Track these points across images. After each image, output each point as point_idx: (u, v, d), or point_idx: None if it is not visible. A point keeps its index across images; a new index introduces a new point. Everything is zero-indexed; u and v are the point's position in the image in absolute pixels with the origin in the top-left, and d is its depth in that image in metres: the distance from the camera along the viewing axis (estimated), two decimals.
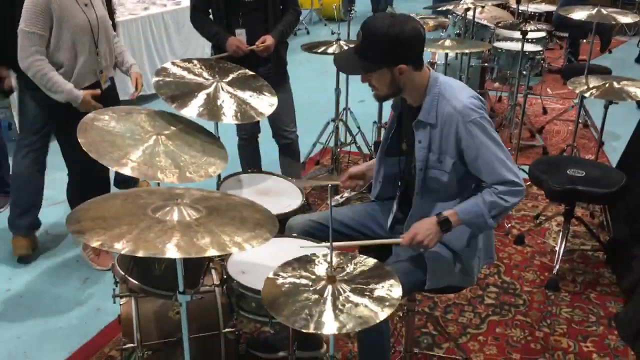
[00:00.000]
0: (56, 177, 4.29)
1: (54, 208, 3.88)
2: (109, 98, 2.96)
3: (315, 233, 2.34)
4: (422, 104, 2.11)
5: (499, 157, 2.06)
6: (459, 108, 2.04)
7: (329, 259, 1.74)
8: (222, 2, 3.26)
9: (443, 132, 2.08)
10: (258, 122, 3.50)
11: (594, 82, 3.58)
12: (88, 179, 3.14)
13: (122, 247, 1.48)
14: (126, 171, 2.00)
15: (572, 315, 3.01)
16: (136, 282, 2.04)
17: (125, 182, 3.88)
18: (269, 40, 3.25)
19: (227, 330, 2.30)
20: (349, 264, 1.81)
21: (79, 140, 2.08)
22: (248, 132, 3.60)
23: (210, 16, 3.38)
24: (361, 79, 2.11)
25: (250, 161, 3.64)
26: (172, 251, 1.50)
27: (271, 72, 3.36)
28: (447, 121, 2.06)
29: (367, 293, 1.68)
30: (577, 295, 3.16)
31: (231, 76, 2.62)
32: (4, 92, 3.60)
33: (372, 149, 4.36)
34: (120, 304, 2.30)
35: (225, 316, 2.33)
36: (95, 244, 1.50)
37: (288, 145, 3.64)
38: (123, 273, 2.06)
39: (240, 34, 3.28)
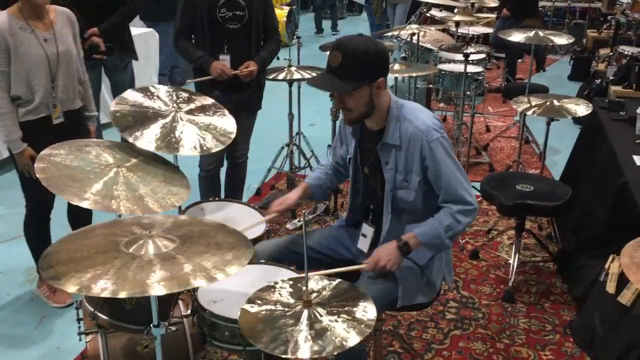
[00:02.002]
0: (4, 213, 4.17)
1: (3, 245, 3.75)
2: (67, 132, 2.87)
3: (283, 259, 2.35)
4: (386, 126, 2.19)
5: (456, 176, 2.17)
6: (422, 128, 2.14)
7: (304, 284, 1.76)
8: (207, 27, 3.30)
9: (408, 152, 2.17)
10: (224, 152, 3.53)
11: (535, 100, 3.76)
12: (46, 213, 3.13)
13: (101, 290, 1.46)
14: (86, 205, 1.97)
15: (530, 325, 3.12)
16: (106, 318, 2.00)
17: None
18: (252, 65, 3.32)
19: None
20: (322, 288, 1.84)
21: (38, 177, 2.05)
22: (211, 164, 3.59)
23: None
24: (336, 104, 2.18)
25: (210, 192, 3.62)
26: (157, 288, 1.49)
27: (250, 98, 3.42)
28: (412, 141, 2.16)
29: (343, 315, 1.71)
30: (532, 306, 3.28)
31: (190, 105, 2.62)
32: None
33: None
34: (86, 341, 2.25)
35: (195, 347, 2.32)
36: (72, 289, 1.48)
37: (238, 164, 3.74)
38: (92, 309, 2.01)
39: (225, 60, 3.33)
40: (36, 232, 3.16)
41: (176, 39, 3.43)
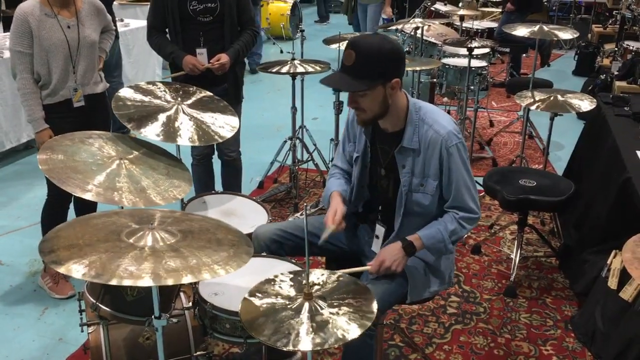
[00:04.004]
0: (7, 205, 4.18)
1: (7, 237, 3.77)
2: (87, 116, 3.06)
3: (283, 242, 2.37)
4: (404, 129, 2.18)
5: (466, 184, 2.19)
6: (443, 133, 2.14)
7: (305, 277, 1.76)
8: (178, 21, 3.27)
9: (426, 157, 2.17)
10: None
11: (539, 95, 3.75)
12: (65, 202, 3.19)
13: (106, 277, 1.48)
14: (89, 197, 1.98)
15: (531, 320, 3.12)
16: (108, 309, 2.00)
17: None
18: (223, 58, 3.27)
19: (198, 353, 2.30)
20: (323, 281, 1.84)
21: (40, 168, 2.06)
22: (201, 153, 3.61)
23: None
24: (349, 103, 2.15)
25: (203, 181, 3.62)
26: (153, 279, 1.50)
27: (227, 92, 3.38)
28: (431, 146, 2.15)
29: (344, 308, 1.71)
30: (533, 301, 3.28)
31: (193, 98, 2.63)
32: None
33: (330, 165, 4.42)
34: (88, 333, 2.26)
35: (196, 339, 2.32)
36: (77, 275, 1.49)
37: (230, 162, 3.72)
38: (94, 300, 2.02)
39: (202, 54, 3.29)
40: (53, 220, 3.18)
41: (149, 34, 3.38)
